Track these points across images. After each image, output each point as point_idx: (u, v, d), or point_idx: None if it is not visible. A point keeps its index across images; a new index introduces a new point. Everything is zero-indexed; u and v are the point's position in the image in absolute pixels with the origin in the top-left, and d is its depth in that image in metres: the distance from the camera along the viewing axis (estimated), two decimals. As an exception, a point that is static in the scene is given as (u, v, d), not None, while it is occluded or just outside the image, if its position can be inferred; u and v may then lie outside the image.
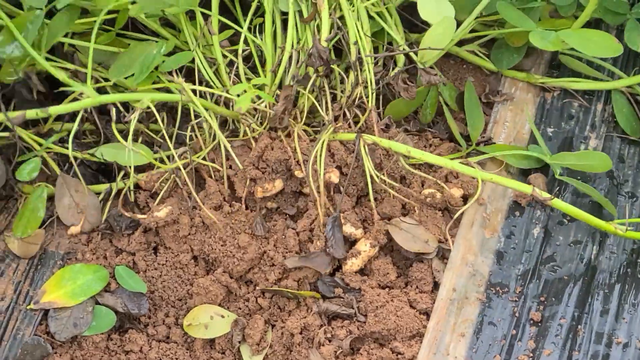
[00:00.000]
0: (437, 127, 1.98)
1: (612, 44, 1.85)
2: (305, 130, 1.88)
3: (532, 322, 1.73)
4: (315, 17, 1.88)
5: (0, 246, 1.82)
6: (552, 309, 1.74)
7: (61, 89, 1.78)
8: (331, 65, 1.85)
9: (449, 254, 1.80)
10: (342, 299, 1.77)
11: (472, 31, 2.01)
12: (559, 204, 1.74)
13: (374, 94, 1.88)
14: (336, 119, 1.87)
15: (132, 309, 1.77)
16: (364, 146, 1.79)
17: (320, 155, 1.79)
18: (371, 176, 1.79)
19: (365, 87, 1.87)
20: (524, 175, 1.89)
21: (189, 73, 1.91)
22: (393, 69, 1.94)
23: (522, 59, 2.02)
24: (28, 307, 1.75)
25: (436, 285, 1.79)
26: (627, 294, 1.75)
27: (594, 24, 2.01)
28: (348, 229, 1.79)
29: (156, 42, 1.87)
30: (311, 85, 1.84)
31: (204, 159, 1.86)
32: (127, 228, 1.84)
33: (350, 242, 1.81)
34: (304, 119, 1.87)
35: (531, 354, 1.69)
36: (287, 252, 1.80)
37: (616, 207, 1.86)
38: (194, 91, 1.78)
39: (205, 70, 1.91)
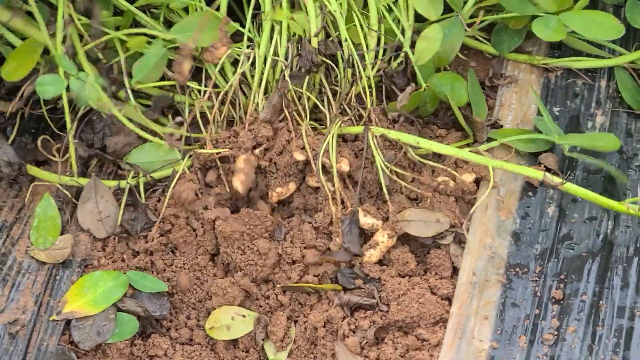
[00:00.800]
0: (442, 116, 1.98)
1: (614, 25, 1.87)
2: (311, 127, 1.88)
3: (554, 300, 1.73)
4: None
5: (17, 259, 1.82)
6: (573, 286, 1.74)
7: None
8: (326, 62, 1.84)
9: (466, 239, 1.80)
10: (363, 290, 1.77)
11: (471, 17, 2.01)
12: (571, 187, 1.75)
13: (373, 91, 1.89)
14: (340, 113, 1.87)
15: (154, 311, 1.77)
16: (373, 138, 1.80)
17: (332, 149, 1.79)
18: (382, 169, 1.80)
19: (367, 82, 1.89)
20: (534, 155, 1.89)
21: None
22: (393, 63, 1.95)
23: (523, 41, 2.03)
24: (51, 319, 1.74)
25: (455, 271, 1.79)
26: (646, 266, 1.77)
27: (591, 2, 2.01)
28: (369, 220, 1.79)
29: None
30: (308, 83, 1.85)
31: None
32: (143, 230, 1.84)
33: (368, 235, 1.81)
34: (308, 116, 1.87)
35: (556, 332, 1.69)
36: (304, 247, 1.80)
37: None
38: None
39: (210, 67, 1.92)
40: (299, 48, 1.81)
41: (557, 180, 1.73)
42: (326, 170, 1.80)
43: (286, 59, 1.84)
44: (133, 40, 1.86)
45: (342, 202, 1.81)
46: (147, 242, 1.83)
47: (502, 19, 2.01)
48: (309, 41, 1.81)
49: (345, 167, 1.81)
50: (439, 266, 1.79)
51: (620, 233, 1.80)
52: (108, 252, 1.83)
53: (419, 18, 1.95)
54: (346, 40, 1.83)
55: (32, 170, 1.90)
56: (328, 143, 1.80)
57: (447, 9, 1.97)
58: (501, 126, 1.94)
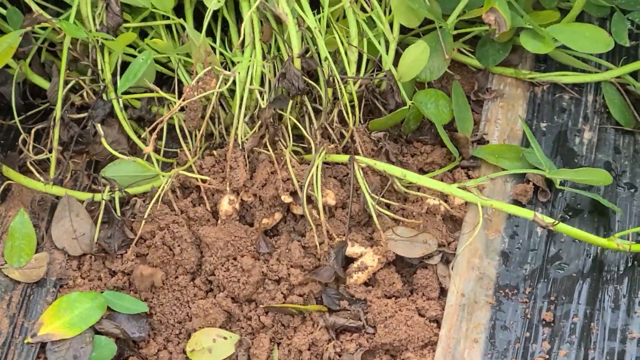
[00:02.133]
0: (426, 131, 1.93)
1: (603, 39, 1.85)
2: (294, 151, 1.83)
3: (544, 322, 1.69)
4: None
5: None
6: (564, 307, 1.71)
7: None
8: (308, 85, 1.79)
9: (453, 259, 1.76)
10: (348, 312, 1.72)
11: (455, 28, 1.97)
12: (563, 228, 1.71)
13: (356, 110, 1.84)
14: (322, 135, 1.83)
15: (133, 332, 1.71)
16: (359, 169, 1.75)
17: (317, 183, 1.74)
18: (370, 202, 1.75)
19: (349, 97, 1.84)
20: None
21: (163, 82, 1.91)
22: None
23: (508, 54, 1.98)
24: (25, 341, 1.68)
25: (443, 292, 1.75)
26: (637, 287, 1.73)
27: (577, 16, 1.98)
28: (357, 249, 1.75)
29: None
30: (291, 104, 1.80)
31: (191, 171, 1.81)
32: (120, 248, 1.78)
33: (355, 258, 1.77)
34: (291, 142, 1.82)
35: (547, 356, 1.66)
36: (291, 266, 1.74)
37: (617, 200, 1.84)
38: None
39: (187, 80, 1.87)
40: (283, 68, 1.76)
41: (548, 220, 1.69)
42: (311, 199, 1.75)
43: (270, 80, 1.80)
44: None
45: (328, 231, 1.76)
46: (123, 263, 1.77)
47: (487, 31, 1.98)
48: (292, 60, 1.75)
49: (331, 201, 1.77)
50: (426, 287, 1.75)
51: (610, 253, 1.76)
52: (84, 271, 1.77)
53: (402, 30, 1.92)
54: (326, 59, 1.78)
55: (9, 172, 1.84)
56: (313, 175, 1.75)
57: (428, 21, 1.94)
58: (487, 142, 1.90)
